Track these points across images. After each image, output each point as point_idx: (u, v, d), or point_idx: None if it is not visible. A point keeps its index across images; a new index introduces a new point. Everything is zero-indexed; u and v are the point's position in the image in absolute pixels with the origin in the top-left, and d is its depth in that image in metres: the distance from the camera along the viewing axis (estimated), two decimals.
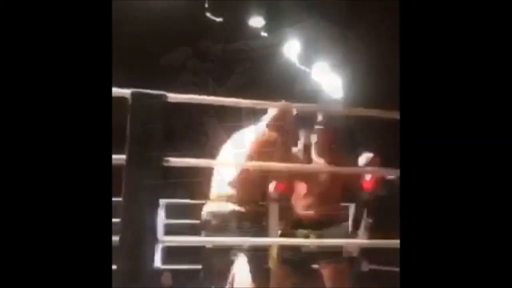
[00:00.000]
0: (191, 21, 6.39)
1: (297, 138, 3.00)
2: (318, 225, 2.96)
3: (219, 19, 6.02)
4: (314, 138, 3.14)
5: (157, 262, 5.78)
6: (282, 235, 2.98)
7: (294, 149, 2.99)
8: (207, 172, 2.88)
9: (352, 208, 4.02)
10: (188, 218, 5.56)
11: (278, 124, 2.76)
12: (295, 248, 2.92)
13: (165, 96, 1.68)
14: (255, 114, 2.89)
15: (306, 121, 3.04)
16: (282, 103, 2.55)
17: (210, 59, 7.18)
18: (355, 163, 3.03)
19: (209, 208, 2.71)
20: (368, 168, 3.12)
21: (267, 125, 2.75)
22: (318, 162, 3.06)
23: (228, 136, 2.90)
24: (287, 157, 2.78)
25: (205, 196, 2.79)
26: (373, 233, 3.27)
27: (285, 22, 6.34)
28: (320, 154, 3.07)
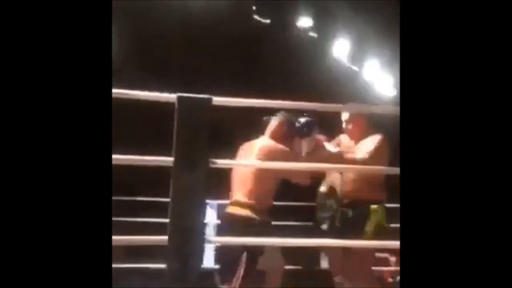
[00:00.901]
0: (238, 23, 6.46)
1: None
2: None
3: (266, 21, 6.05)
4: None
5: (209, 263, 5.89)
6: None
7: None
8: None
9: None
10: None
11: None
12: None
13: (210, 99, 1.72)
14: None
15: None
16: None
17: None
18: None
19: None
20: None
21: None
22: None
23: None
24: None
25: None
26: None
27: (333, 21, 6.30)
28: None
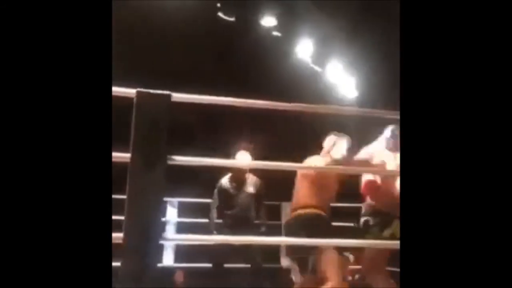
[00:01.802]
0: (203, 21, 6.41)
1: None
2: None
3: (231, 19, 6.02)
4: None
5: (169, 261, 5.85)
6: None
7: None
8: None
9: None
10: (204, 217, 5.64)
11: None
12: None
13: (169, 95, 1.70)
14: None
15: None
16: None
17: None
18: None
19: None
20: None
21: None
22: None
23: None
24: None
25: None
26: None
27: (297, 22, 6.33)
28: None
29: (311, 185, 3.54)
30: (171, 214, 6.08)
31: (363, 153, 3.77)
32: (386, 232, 3.60)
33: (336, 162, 3.54)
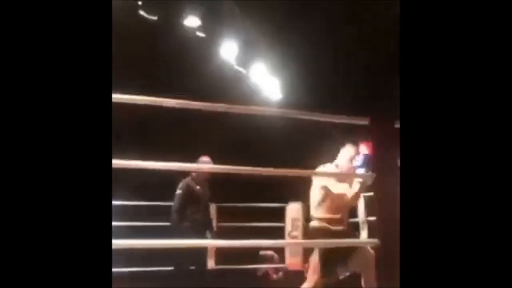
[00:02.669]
0: (122, 19, 6.18)
1: None
2: None
3: (153, 18, 5.85)
4: None
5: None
6: None
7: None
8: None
9: None
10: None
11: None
12: None
13: None
14: None
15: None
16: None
17: None
18: None
19: None
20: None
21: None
22: None
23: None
24: None
25: None
26: None
27: (221, 23, 6.26)
28: None
29: None
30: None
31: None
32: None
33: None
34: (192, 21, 6.08)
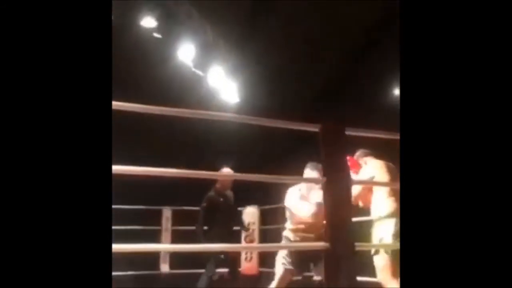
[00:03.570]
0: None
1: None
2: None
3: None
4: None
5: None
6: None
7: None
8: None
9: None
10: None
11: None
12: None
13: None
14: None
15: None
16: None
17: None
18: None
19: None
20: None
21: None
22: None
23: None
24: None
25: None
26: None
27: (178, 24, 6.20)
28: None
29: None
30: None
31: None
32: None
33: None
34: (148, 22, 6.00)
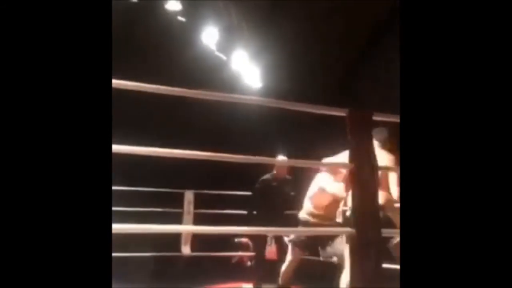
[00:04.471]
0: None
1: None
2: None
3: (133, 0, 5.74)
4: None
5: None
6: None
7: None
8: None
9: None
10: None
11: None
12: None
13: None
14: None
15: None
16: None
17: None
18: None
19: None
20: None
21: None
22: None
23: None
24: None
25: None
26: None
27: (202, 7, 6.18)
28: None
29: None
30: None
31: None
32: None
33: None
34: (173, 5, 5.99)
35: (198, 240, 6.46)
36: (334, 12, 6.49)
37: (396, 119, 2.42)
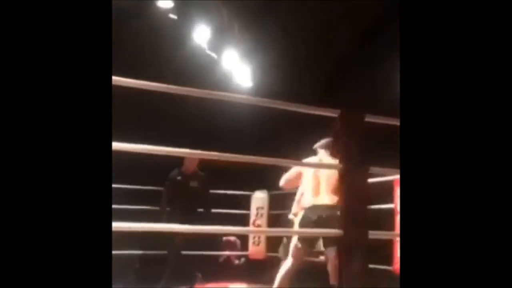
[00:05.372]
0: None
1: None
2: None
3: None
4: None
5: None
6: None
7: None
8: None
9: None
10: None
11: None
12: None
13: None
14: None
15: None
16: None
17: None
18: None
19: None
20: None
21: None
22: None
23: None
24: None
25: None
26: None
27: (195, 6, 6.17)
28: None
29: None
30: None
31: None
32: None
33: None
34: (165, 3, 5.97)
35: (184, 239, 6.43)
36: (324, 13, 6.51)
37: (387, 121, 2.44)
